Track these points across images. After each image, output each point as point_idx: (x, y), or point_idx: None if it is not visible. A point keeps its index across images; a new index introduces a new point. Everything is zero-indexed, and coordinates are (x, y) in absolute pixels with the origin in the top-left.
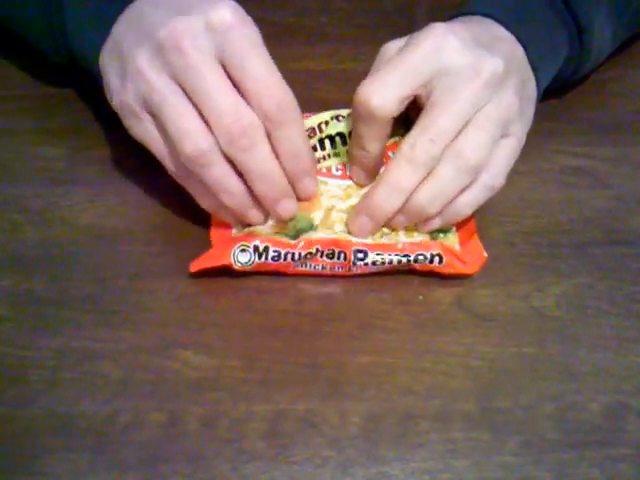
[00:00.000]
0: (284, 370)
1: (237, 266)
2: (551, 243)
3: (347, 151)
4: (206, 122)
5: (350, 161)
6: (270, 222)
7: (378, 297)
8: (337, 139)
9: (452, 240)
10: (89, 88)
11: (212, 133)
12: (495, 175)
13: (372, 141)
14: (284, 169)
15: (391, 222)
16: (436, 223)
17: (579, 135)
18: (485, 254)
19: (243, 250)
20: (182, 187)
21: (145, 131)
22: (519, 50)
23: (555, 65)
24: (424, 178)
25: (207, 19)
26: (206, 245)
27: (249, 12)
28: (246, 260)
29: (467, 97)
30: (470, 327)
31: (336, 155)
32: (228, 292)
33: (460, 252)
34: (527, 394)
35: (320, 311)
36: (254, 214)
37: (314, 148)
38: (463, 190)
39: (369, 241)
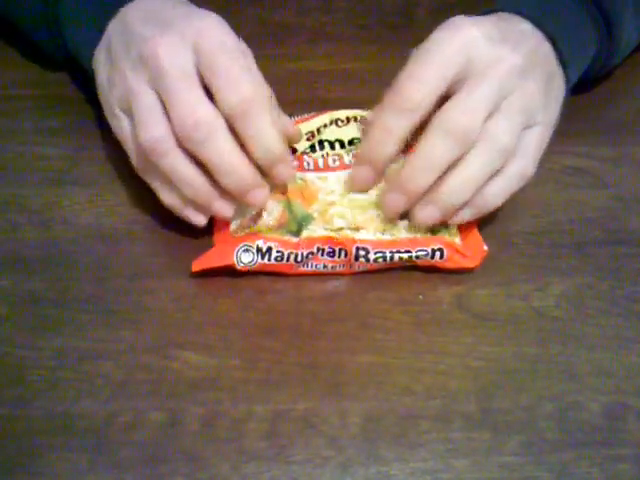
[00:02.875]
0: (284, 370)
1: (240, 266)
2: (551, 243)
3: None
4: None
5: (360, 162)
6: (270, 216)
7: (378, 297)
8: (336, 145)
9: (453, 234)
10: (89, 88)
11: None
12: (524, 163)
13: (400, 137)
14: (255, 160)
15: (420, 214)
16: (466, 214)
17: (579, 135)
18: (485, 247)
19: (246, 250)
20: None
21: (120, 129)
22: (546, 46)
23: (584, 61)
24: (457, 158)
25: (185, 32)
26: (206, 245)
27: (249, 12)
28: (249, 260)
29: (492, 83)
30: (470, 327)
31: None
32: (228, 292)
33: (461, 246)
34: (527, 394)
35: (320, 311)
36: (220, 206)
37: (312, 148)
38: (493, 177)
39: (370, 237)
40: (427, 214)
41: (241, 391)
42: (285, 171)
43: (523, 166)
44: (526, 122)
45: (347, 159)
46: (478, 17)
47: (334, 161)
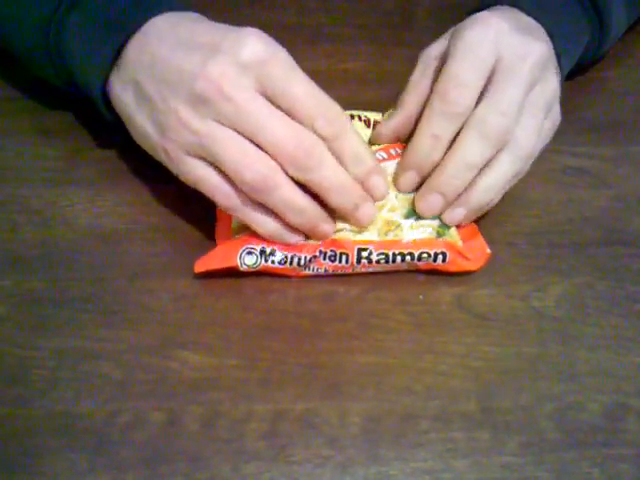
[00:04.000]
0: (284, 370)
1: (243, 268)
2: (551, 243)
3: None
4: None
5: (408, 167)
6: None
7: (378, 297)
8: None
9: (454, 237)
10: None
11: (272, 159)
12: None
13: (448, 143)
14: (351, 174)
15: (449, 216)
16: (461, 213)
17: (579, 135)
18: (489, 250)
19: (249, 253)
20: (182, 188)
21: (193, 174)
22: (549, 38)
23: (577, 51)
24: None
25: (239, 58)
26: (206, 245)
27: (249, 13)
28: (252, 262)
29: (523, 79)
30: (470, 327)
31: None
32: (228, 292)
33: (463, 249)
34: (527, 394)
35: (320, 311)
36: (326, 228)
37: None
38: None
39: (374, 238)
40: (456, 216)
41: (241, 391)
42: (380, 183)
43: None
44: (546, 115)
45: None
46: (497, 11)
47: None
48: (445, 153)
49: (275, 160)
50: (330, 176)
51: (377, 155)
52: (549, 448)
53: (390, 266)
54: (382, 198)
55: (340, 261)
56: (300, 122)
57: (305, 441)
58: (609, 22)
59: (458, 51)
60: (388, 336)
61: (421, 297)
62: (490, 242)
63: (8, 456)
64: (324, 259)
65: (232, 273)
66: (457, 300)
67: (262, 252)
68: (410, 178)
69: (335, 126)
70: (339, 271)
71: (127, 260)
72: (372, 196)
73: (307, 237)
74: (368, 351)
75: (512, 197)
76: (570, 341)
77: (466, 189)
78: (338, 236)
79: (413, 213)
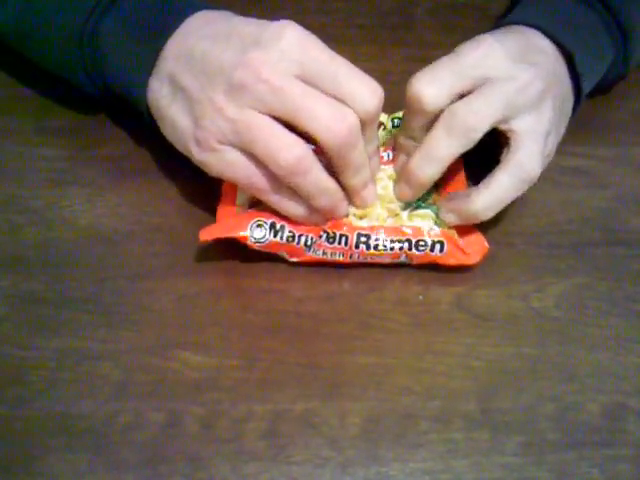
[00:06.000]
0: (284, 370)
1: (251, 241)
2: (551, 243)
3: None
4: (300, 134)
5: (398, 150)
6: None
7: (378, 297)
8: None
9: (453, 232)
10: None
11: (304, 141)
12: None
13: (420, 130)
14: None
15: (445, 220)
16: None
17: (578, 135)
18: (487, 244)
19: (259, 226)
20: (183, 188)
21: (226, 162)
22: (560, 63)
23: (600, 70)
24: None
25: (279, 46)
26: (207, 245)
27: (249, 13)
28: (261, 236)
29: (505, 93)
30: (470, 327)
31: None
32: (228, 292)
33: (462, 243)
34: (527, 394)
35: (320, 311)
36: (343, 207)
37: None
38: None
39: (374, 223)
40: (446, 219)
41: (241, 391)
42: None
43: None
44: (545, 144)
45: None
46: (501, 34)
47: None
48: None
49: (315, 139)
50: (358, 156)
51: (383, 154)
52: (549, 448)
53: (388, 256)
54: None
55: (340, 243)
56: (343, 101)
57: (305, 441)
58: (634, 39)
59: (442, 59)
60: (388, 336)
61: (421, 297)
62: (490, 242)
63: (8, 456)
64: (325, 241)
65: (232, 272)
66: (457, 300)
67: (272, 227)
68: (406, 190)
69: (378, 102)
70: (337, 255)
71: (127, 260)
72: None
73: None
74: (368, 351)
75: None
76: (570, 341)
77: (460, 200)
78: (342, 221)
79: (411, 205)
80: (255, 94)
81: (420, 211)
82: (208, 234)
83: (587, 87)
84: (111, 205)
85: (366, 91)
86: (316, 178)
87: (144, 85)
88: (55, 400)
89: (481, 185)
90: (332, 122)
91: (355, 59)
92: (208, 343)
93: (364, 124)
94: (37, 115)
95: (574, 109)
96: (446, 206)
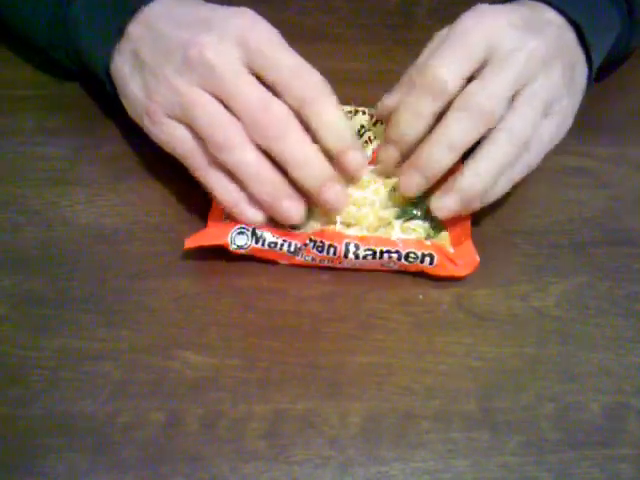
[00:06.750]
0: (284, 370)
1: (233, 247)
2: (551, 243)
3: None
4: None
5: (387, 142)
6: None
7: (378, 297)
8: None
9: (445, 241)
10: (89, 88)
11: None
12: (534, 153)
13: (427, 117)
14: (325, 147)
15: (439, 205)
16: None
17: (579, 135)
18: (477, 258)
19: (241, 233)
20: (183, 189)
21: (171, 135)
22: (569, 34)
23: (607, 44)
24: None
25: (226, 32)
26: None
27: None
28: (243, 243)
29: (514, 68)
30: (470, 327)
31: None
32: (228, 292)
33: (452, 254)
34: (527, 394)
35: (320, 311)
36: (290, 205)
37: None
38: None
39: (364, 233)
40: (446, 205)
41: (241, 391)
42: (358, 157)
43: (531, 157)
44: (545, 111)
45: None
46: (504, 5)
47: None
48: (427, 130)
49: (243, 125)
50: (293, 148)
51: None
52: (549, 448)
53: (379, 263)
54: (359, 179)
55: (328, 252)
56: (278, 91)
57: (305, 441)
58: (638, 10)
59: (448, 37)
60: (388, 336)
61: (421, 297)
62: (490, 242)
63: (8, 456)
64: (313, 248)
65: (232, 273)
66: (457, 300)
67: (253, 233)
68: (389, 152)
69: (312, 90)
70: (326, 262)
71: (127, 260)
72: (347, 170)
73: (273, 221)
74: (368, 351)
75: (512, 197)
76: (570, 341)
77: (456, 174)
78: (330, 228)
79: (404, 214)
80: (199, 74)
81: (412, 224)
82: (192, 242)
83: (597, 59)
84: (111, 205)
85: (304, 81)
86: (246, 159)
87: (105, 60)
88: (55, 400)
89: (469, 159)
90: (256, 111)
91: (356, 58)
92: (208, 343)
93: (299, 110)
94: (37, 115)
95: (588, 84)
96: (439, 195)
